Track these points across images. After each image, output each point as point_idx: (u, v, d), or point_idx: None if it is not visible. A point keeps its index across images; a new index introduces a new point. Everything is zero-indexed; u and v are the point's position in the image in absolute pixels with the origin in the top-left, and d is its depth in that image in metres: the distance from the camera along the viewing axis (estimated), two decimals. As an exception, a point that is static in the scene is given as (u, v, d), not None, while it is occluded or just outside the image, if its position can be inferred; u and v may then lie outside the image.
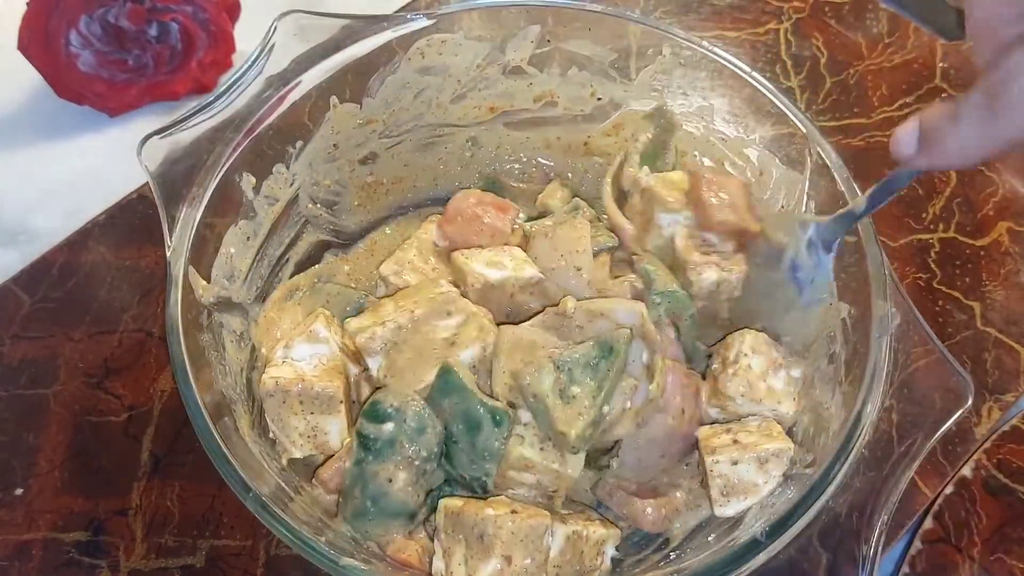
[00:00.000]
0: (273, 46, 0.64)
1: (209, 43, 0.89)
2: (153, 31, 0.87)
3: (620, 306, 0.60)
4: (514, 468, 0.58)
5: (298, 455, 0.59)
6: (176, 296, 0.56)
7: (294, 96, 0.65)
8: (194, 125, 0.61)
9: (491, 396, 0.59)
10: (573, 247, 0.63)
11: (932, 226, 0.84)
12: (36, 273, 0.79)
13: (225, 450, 0.52)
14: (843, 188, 0.62)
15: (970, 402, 0.55)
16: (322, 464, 0.60)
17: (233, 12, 0.91)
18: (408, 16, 0.68)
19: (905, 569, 0.66)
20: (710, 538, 0.58)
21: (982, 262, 0.82)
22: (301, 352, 0.61)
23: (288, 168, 0.67)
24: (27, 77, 0.87)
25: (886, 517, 0.53)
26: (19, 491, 0.68)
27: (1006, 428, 0.72)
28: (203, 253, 0.60)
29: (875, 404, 0.55)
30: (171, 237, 0.58)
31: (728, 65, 0.68)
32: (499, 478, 0.58)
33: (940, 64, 0.94)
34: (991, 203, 0.85)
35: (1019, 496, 0.69)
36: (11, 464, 0.70)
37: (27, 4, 0.83)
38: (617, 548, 0.59)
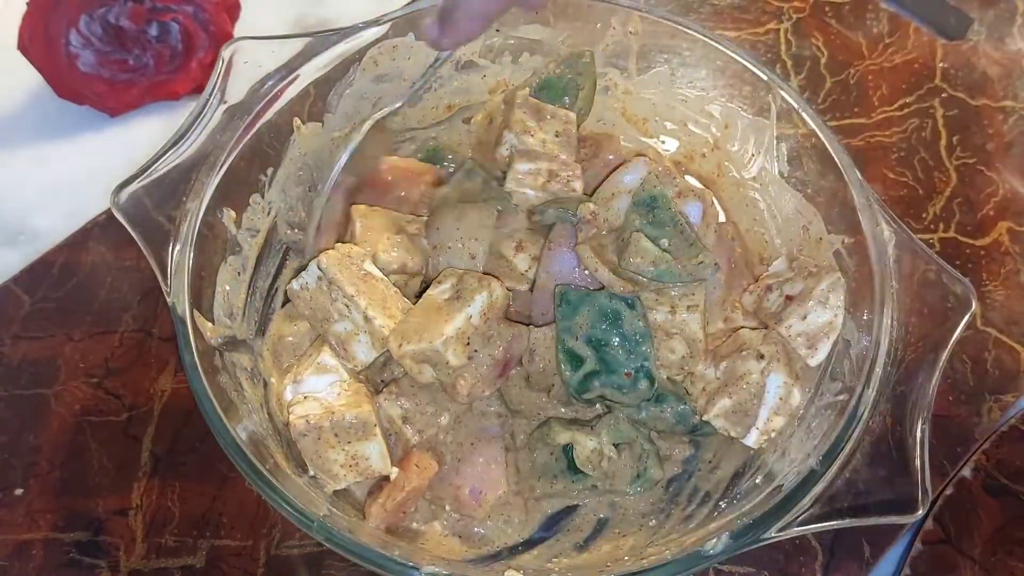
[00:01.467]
0: (227, 77, 0.63)
1: (209, 43, 0.89)
2: (153, 31, 0.88)
3: (623, 174, 0.63)
4: (662, 343, 0.61)
5: (342, 486, 0.59)
6: (189, 341, 0.55)
7: (258, 124, 0.64)
8: (164, 168, 0.61)
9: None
10: (475, 234, 0.62)
11: (932, 226, 0.84)
12: (36, 273, 0.79)
13: (279, 485, 0.52)
14: (813, 125, 0.64)
15: (975, 306, 0.58)
16: (380, 493, 0.60)
17: (233, 12, 0.91)
18: (359, 26, 0.67)
19: (906, 571, 0.66)
20: (757, 480, 0.59)
21: (982, 262, 0.82)
22: (313, 385, 0.60)
23: (263, 197, 0.66)
24: (27, 77, 0.87)
25: (926, 427, 0.55)
26: (19, 491, 0.68)
27: (1005, 428, 0.72)
28: (201, 294, 0.60)
29: (891, 324, 0.57)
30: (167, 283, 0.57)
31: (680, 28, 0.69)
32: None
33: (940, 64, 0.94)
34: (991, 203, 0.85)
35: (1019, 497, 0.69)
36: (11, 464, 0.70)
37: (27, 4, 0.83)
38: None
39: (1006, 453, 0.71)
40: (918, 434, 0.54)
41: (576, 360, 0.60)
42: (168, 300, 0.57)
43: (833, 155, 0.63)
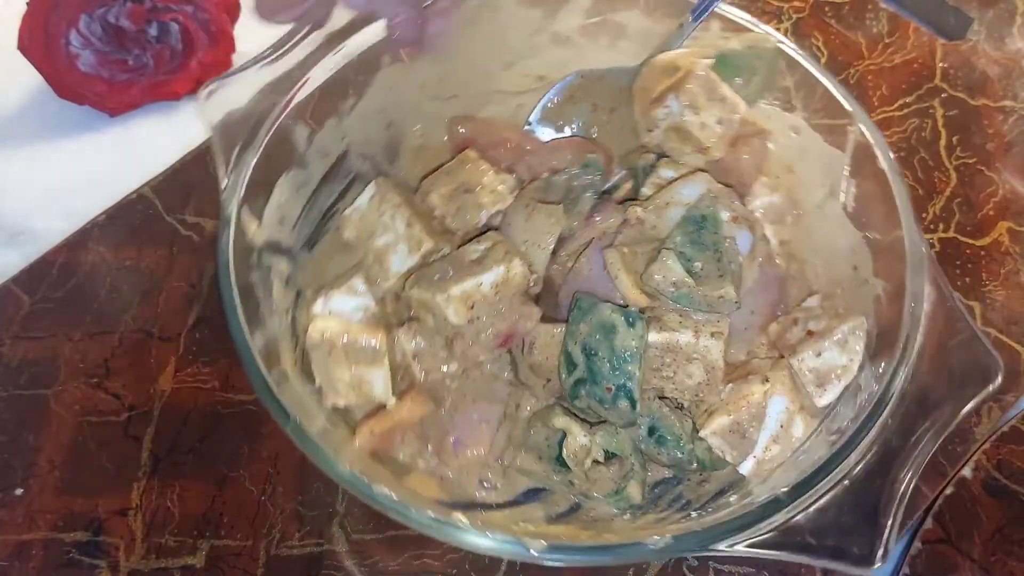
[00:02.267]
0: (334, 3, 0.65)
1: (209, 43, 0.89)
2: (153, 31, 0.88)
3: (683, 186, 0.62)
4: (681, 366, 0.60)
5: (342, 404, 0.61)
6: (228, 235, 0.58)
7: (348, 53, 0.66)
8: (253, 75, 0.64)
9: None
10: (538, 240, 0.63)
11: (932, 226, 0.84)
12: (36, 273, 0.79)
13: (270, 382, 0.54)
14: (884, 166, 0.62)
15: (999, 381, 0.56)
16: (372, 418, 0.61)
17: (233, 12, 0.91)
18: None
19: (905, 570, 0.66)
20: (731, 499, 0.58)
21: (982, 262, 0.82)
22: (341, 304, 0.63)
23: (340, 123, 0.68)
24: (27, 77, 0.87)
25: (910, 488, 0.53)
26: (19, 491, 0.69)
27: (1006, 429, 0.72)
28: (256, 197, 0.62)
29: (905, 377, 0.56)
30: (226, 178, 0.60)
31: (778, 44, 0.68)
32: (661, 381, 0.60)
33: (940, 64, 0.94)
34: (991, 203, 0.85)
35: (1020, 497, 0.69)
36: (11, 464, 0.70)
37: (27, 4, 0.83)
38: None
39: (1007, 453, 0.71)
40: (898, 491, 0.53)
41: (571, 364, 0.60)
42: (221, 195, 0.60)
43: (897, 201, 0.61)
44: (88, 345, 0.75)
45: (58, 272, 0.79)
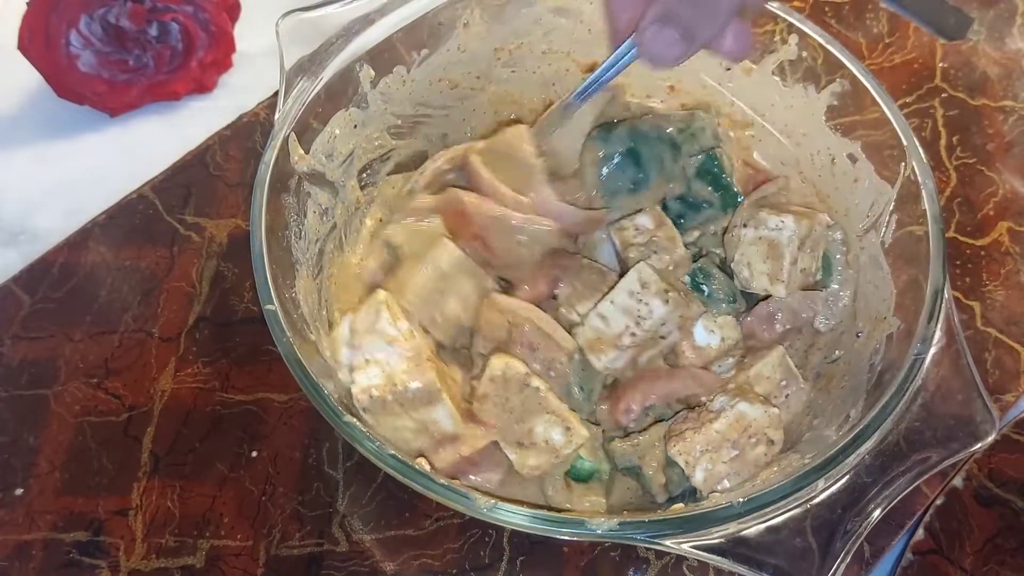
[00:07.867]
0: None
1: (209, 43, 0.89)
2: (153, 31, 0.88)
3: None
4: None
5: (415, 446, 0.60)
6: (272, 155, 0.60)
7: (427, 6, 0.67)
8: (332, 12, 0.65)
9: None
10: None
11: (932, 226, 0.84)
12: (36, 273, 0.79)
13: (272, 291, 0.55)
14: (927, 207, 0.61)
15: (991, 438, 0.56)
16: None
17: (233, 12, 0.91)
18: None
19: (898, 579, 0.65)
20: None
21: (982, 262, 0.82)
22: (375, 351, 0.59)
23: (408, 72, 0.69)
24: (27, 77, 0.87)
25: (864, 530, 0.53)
26: (19, 491, 0.69)
27: (998, 437, 0.71)
28: (308, 127, 0.63)
29: (894, 417, 0.55)
30: (283, 104, 0.62)
31: (847, 64, 0.69)
32: None
33: (940, 64, 0.94)
34: (991, 203, 0.85)
35: (1011, 506, 0.68)
36: (11, 464, 0.70)
37: (27, 4, 0.83)
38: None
39: (998, 462, 0.70)
40: (858, 527, 0.52)
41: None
42: (276, 118, 0.62)
43: (931, 245, 0.60)
44: (88, 345, 0.75)
45: (58, 272, 0.79)
